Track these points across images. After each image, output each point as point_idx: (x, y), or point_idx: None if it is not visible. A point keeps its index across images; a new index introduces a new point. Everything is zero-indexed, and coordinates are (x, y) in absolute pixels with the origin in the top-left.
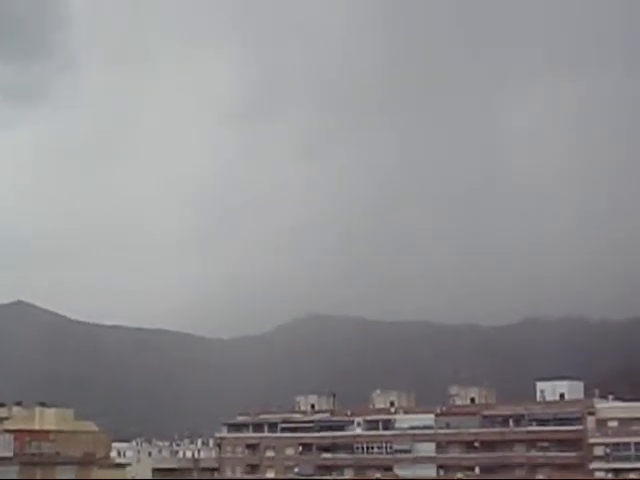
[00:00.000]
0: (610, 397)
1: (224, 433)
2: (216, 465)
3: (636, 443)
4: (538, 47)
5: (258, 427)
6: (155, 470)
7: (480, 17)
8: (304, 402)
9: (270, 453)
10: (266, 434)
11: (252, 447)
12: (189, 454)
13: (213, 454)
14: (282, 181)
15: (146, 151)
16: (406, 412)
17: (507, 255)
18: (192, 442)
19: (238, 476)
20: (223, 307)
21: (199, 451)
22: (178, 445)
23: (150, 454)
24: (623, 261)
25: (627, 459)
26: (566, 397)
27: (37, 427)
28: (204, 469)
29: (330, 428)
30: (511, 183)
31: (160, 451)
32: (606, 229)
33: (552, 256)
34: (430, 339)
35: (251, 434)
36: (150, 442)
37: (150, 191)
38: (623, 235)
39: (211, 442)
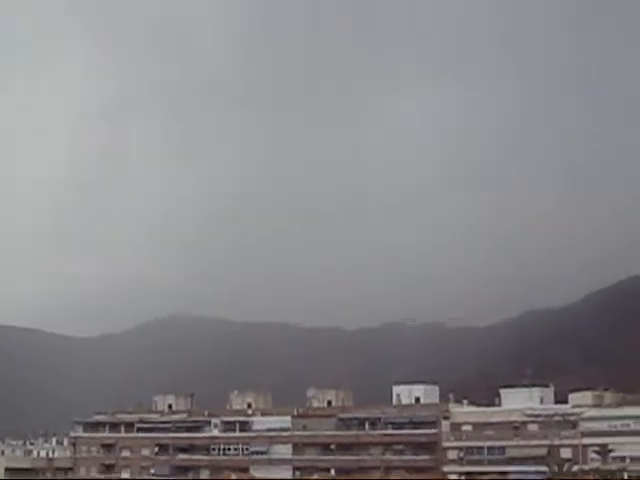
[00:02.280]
0: (465, 402)
1: (79, 432)
2: (70, 465)
3: (489, 447)
4: (423, 49)
5: (114, 427)
6: (7, 470)
7: (361, 19)
8: (162, 402)
9: (126, 453)
10: (122, 434)
11: (108, 447)
12: (43, 453)
13: (68, 453)
14: (145, 179)
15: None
16: (263, 414)
17: (368, 260)
18: (47, 441)
19: (92, 476)
20: (84, 305)
21: (53, 450)
22: (32, 444)
23: (3, 453)
24: (483, 271)
25: (480, 463)
26: (422, 401)
27: None
28: (58, 469)
29: (187, 429)
30: (378, 188)
31: (13, 450)
32: (472, 240)
33: (414, 264)
34: (289, 341)
35: (107, 434)
36: (3, 441)
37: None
38: (486, 248)
39: (66, 441)
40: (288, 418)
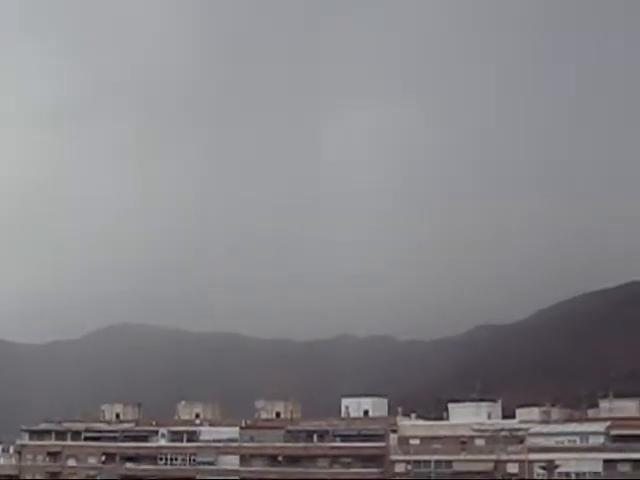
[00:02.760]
0: (413, 415)
1: (25, 440)
2: (16, 472)
3: (436, 461)
4: (361, 66)
5: (61, 435)
6: None
7: (299, 33)
8: (109, 410)
9: (72, 462)
10: (69, 442)
11: (53, 455)
12: None
13: (13, 461)
14: (96, 185)
15: None
16: (211, 424)
17: (318, 273)
18: None
19: None
20: (33, 311)
21: None
22: None
23: None
24: (434, 286)
25: (427, 476)
26: (370, 414)
27: None
28: (3, 476)
29: (134, 438)
30: (329, 203)
31: None
32: (423, 254)
33: (363, 277)
34: (239, 352)
35: (53, 442)
36: None
37: None
38: (437, 262)
39: (12, 449)
40: (236, 429)
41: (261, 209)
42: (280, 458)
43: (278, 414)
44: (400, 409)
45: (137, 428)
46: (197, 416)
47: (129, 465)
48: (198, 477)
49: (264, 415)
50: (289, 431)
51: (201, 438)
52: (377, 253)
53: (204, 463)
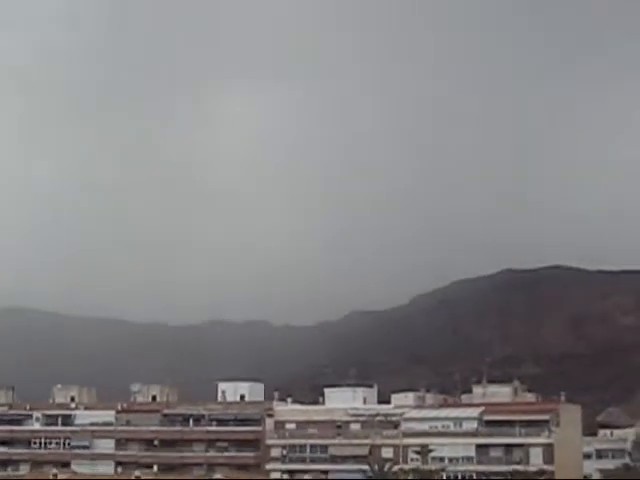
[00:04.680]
0: (289, 400)
1: None
2: None
3: (312, 445)
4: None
5: None
6: None
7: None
8: None
9: None
10: None
11: None
12: None
13: None
14: None
15: None
16: (86, 408)
17: (191, 257)
18: None
19: None
20: None
21: None
22: None
23: None
24: (310, 270)
25: (303, 460)
26: (247, 398)
27: None
28: None
29: (7, 422)
30: (208, 187)
31: None
32: (299, 239)
33: (238, 261)
34: (114, 335)
35: None
36: None
37: None
38: (313, 247)
39: None
40: (112, 413)
41: (135, 193)
42: (156, 442)
43: (154, 398)
44: (276, 394)
45: (10, 412)
46: (72, 400)
47: (2, 449)
48: (72, 461)
49: (140, 399)
50: (165, 415)
51: (76, 422)
52: (252, 238)
53: (79, 447)
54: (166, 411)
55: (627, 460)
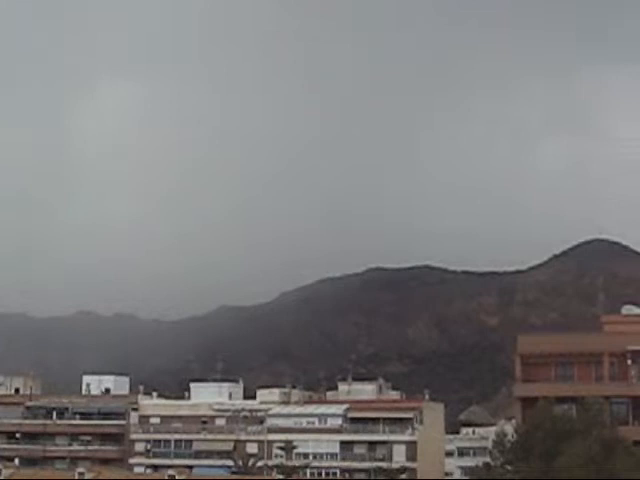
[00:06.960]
0: (154, 394)
1: None
2: None
3: (176, 440)
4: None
5: None
6: None
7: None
8: None
9: None
10: None
11: None
12: None
13: None
14: None
15: None
16: None
17: (65, 246)
18: None
19: None
20: None
21: None
22: None
23: None
24: (176, 264)
25: (166, 455)
26: (112, 392)
27: None
28: None
29: None
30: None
31: None
32: (159, 233)
33: (109, 251)
34: None
35: None
36: None
37: None
38: (177, 240)
39: None
40: None
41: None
42: (18, 435)
43: (17, 390)
44: (142, 388)
45: None
46: None
47: None
48: None
49: (2, 391)
50: (28, 407)
51: None
52: (118, 228)
53: None
54: (29, 403)
55: (488, 458)
